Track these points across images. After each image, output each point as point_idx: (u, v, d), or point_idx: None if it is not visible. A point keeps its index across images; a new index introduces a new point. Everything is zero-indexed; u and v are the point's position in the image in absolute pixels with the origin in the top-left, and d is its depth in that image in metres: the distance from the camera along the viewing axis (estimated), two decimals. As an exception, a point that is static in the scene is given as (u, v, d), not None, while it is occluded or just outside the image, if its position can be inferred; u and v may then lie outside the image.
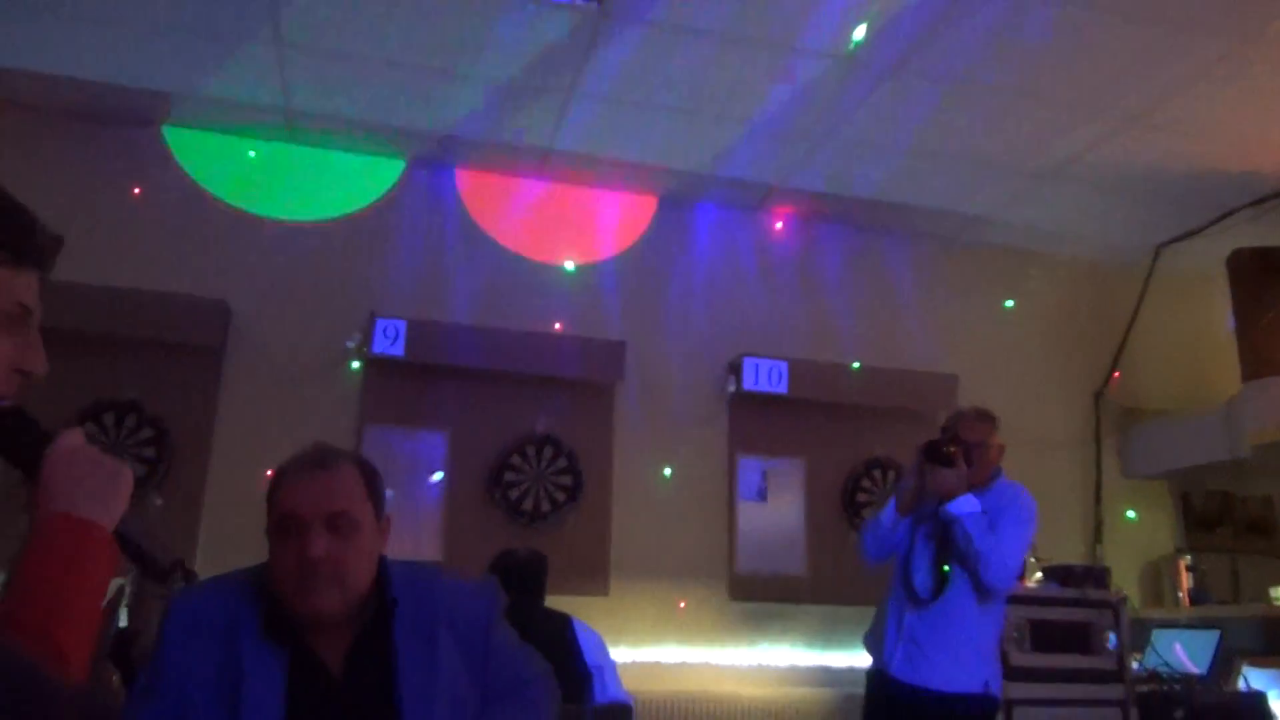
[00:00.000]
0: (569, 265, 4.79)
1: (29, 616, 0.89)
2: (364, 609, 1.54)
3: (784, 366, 4.81)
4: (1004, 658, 3.34)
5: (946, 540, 3.06)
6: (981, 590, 3.03)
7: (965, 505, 3.03)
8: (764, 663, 4.57)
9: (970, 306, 5.34)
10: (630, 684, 3.25)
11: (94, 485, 1.01)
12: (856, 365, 4.93)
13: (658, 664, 4.43)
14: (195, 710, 1.44)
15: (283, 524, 1.52)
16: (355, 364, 4.49)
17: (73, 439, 1.04)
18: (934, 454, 3.08)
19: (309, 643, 1.51)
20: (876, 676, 3.16)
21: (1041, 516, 3.13)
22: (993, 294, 5.39)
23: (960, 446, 3.08)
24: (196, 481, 4.23)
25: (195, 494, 4.21)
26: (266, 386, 4.36)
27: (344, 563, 1.49)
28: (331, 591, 1.48)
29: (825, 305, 5.09)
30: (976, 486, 3.11)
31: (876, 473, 4.97)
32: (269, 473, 1.63)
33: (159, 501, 4.17)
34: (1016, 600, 3.43)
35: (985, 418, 3.26)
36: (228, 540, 3.97)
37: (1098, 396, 5.36)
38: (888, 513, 3.20)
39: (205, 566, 3.98)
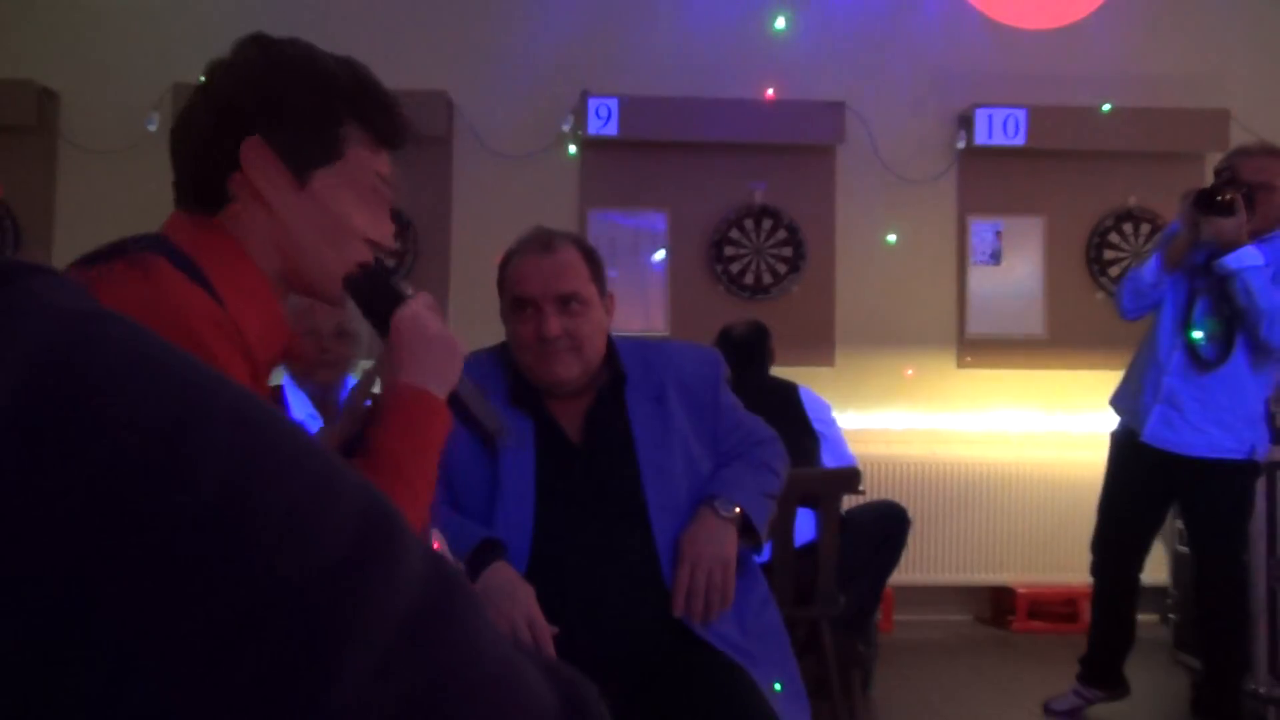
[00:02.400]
0: (779, 22, 4.51)
1: (373, 481, 0.99)
2: (597, 381, 1.63)
3: (1022, 114, 4.40)
4: (1270, 419, 3.10)
5: (1224, 297, 2.78)
6: (1261, 351, 2.78)
7: (1246, 258, 2.70)
8: (996, 427, 4.50)
9: (1248, 26, 4.58)
10: (857, 448, 3.30)
11: (435, 358, 1.06)
12: (1107, 107, 4.42)
13: (885, 430, 4.47)
14: (460, 467, 1.61)
15: (517, 305, 1.61)
16: (572, 148, 4.54)
17: (420, 305, 1.10)
18: (1208, 202, 2.73)
19: (550, 412, 1.63)
20: (1124, 439, 3.02)
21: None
22: (1277, 7, 4.59)
23: (1239, 191, 2.73)
24: (441, 269, 4.54)
25: (441, 281, 4.53)
26: (492, 175, 4.52)
27: (579, 336, 1.58)
28: (570, 361, 1.58)
29: (1068, 39, 4.54)
30: (1260, 234, 2.77)
31: (1127, 226, 4.57)
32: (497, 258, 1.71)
33: (410, 292, 4.52)
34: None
35: (1273, 154, 2.85)
36: (474, 321, 4.28)
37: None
38: (1150, 268, 2.91)
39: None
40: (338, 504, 0.31)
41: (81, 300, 0.31)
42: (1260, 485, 3.07)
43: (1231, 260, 2.72)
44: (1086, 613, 3.36)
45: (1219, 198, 2.72)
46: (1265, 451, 2.91)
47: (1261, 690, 3.03)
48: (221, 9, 4.30)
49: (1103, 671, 3.06)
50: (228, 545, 0.28)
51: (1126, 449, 3.01)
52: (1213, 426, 2.82)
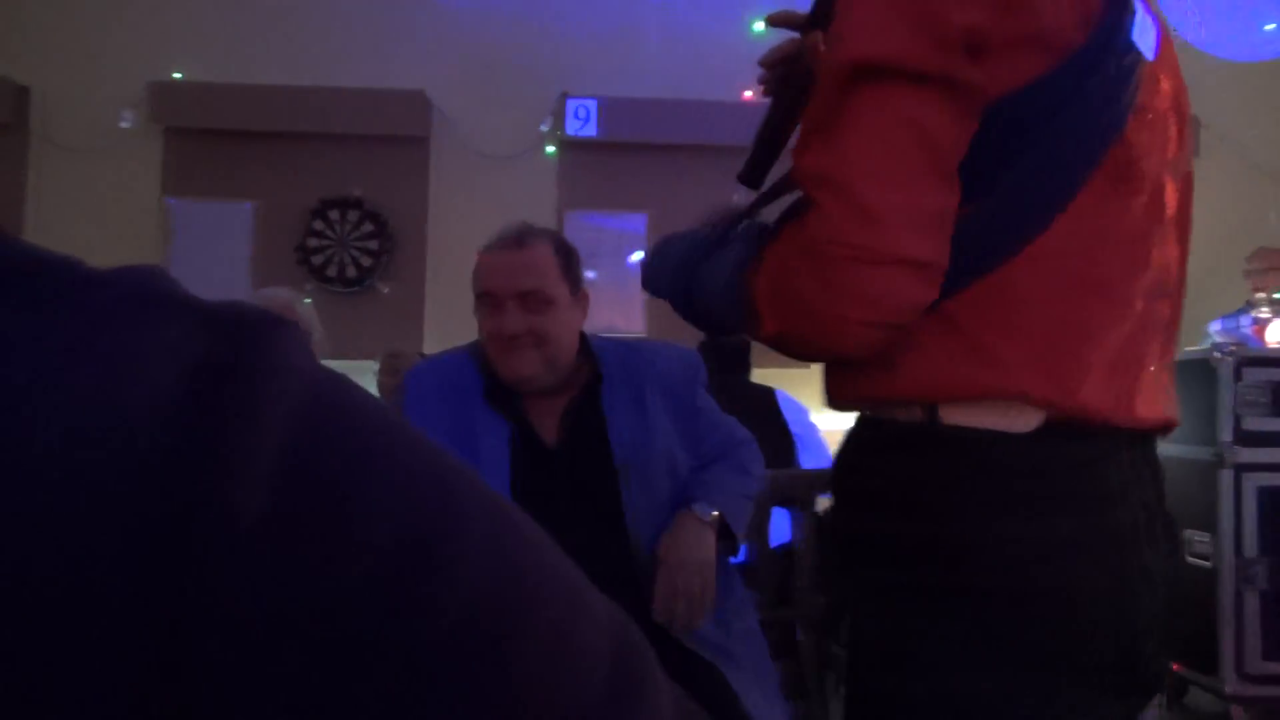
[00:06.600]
0: (758, 25, 4.52)
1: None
2: (574, 381, 1.62)
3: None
4: (1238, 421, 3.15)
5: None
6: None
7: None
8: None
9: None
10: (832, 450, 3.33)
11: None
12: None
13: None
14: None
15: (482, 300, 1.58)
16: (550, 148, 4.53)
17: None
18: None
19: (525, 413, 1.62)
20: None
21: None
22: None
23: None
24: (417, 269, 4.52)
25: (417, 281, 4.51)
26: (470, 175, 4.51)
27: (541, 332, 1.55)
28: (531, 357, 1.55)
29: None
30: None
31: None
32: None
33: (385, 290, 4.51)
34: (1259, 362, 3.18)
35: None
36: (451, 321, 4.28)
37: (1376, 132, 4.65)
38: None
39: (431, 346, 4.34)
40: (587, 651, 0.29)
41: (316, 362, 0.29)
42: (1229, 485, 3.12)
43: None
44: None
45: None
46: None
47: (1228, 690, 3.07)
48: (197, 7, 4.26)
49: None
50: (471, 684, 0.26)
51: None
52: None
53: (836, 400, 0.96)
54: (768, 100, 1.05)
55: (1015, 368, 0.82)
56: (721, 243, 1.01)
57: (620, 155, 4.53)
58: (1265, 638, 3.09)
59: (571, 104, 4.38)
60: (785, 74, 1.01)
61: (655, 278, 1.09)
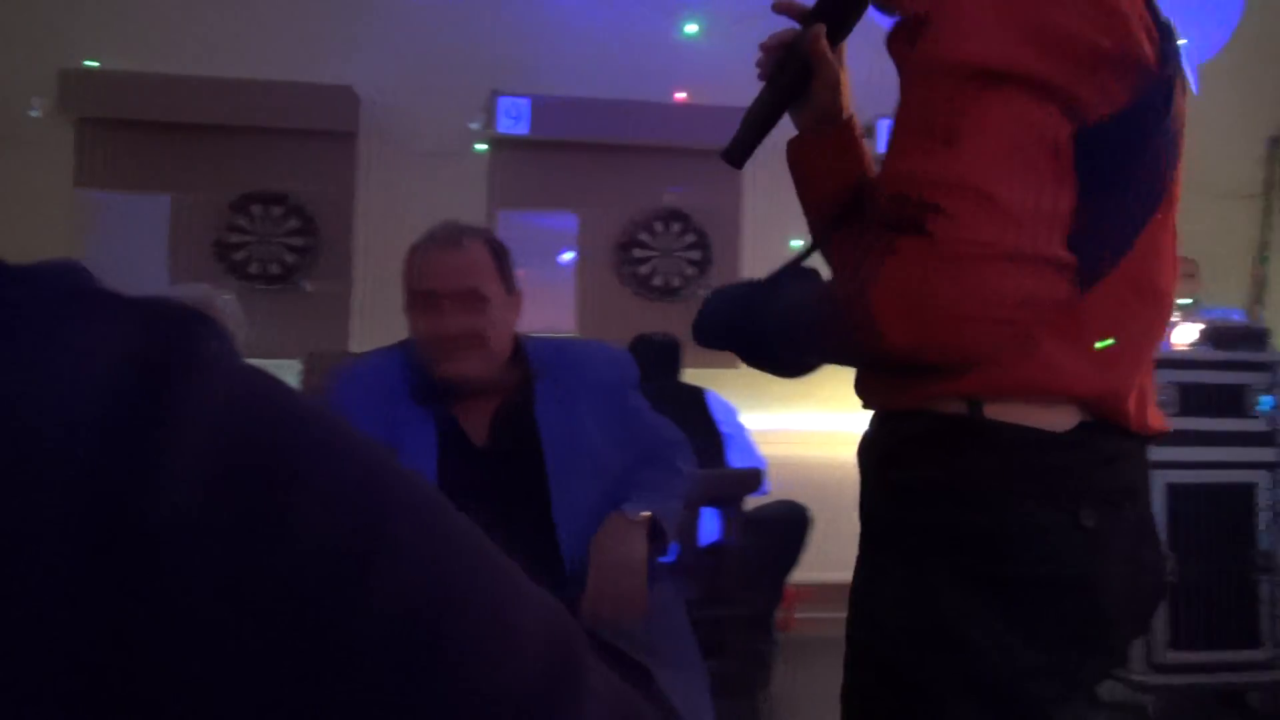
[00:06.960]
0: (690, 27, 4.55)
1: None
2: (504, 382, 1.61)
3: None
4: (1147, 422, 3.27)
5: None
6: None
7: None
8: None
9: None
10: (760, 449, 3.37)
11: None
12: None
13: (787, 430, 4.55)
14: None
15: (417, 299, 1.57)
16: (481, 146, 4.49)
17: None
18: None
19: (454, 414, 1.60)
20: None
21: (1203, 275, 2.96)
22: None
23: None
24: (343, 267, 4.44)
25: (344, 279, 4.43)
26: (399, 172, 4.44)
27: (481, 333, 1.55)
28: (472, 358, 1.55)
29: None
30: None
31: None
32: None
33: (310, 288, 4.41)
34: (1166, 364, 3.31)
35: None
36: (378, 321, 4.21)
37: (1275, 142, 4.88)
38: None
39: (360, 346, 4.26)
40: (521, 637, 0.29)
41: (241, 360, 0.29)
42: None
43: None
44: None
45: None
46: None
47: (1136, 679, 3.19)
48: (113, -8, 4.12)
49: None
50: (407, 671, 0.27)
51: None
52: None
53: (880, 400, 0.99)
54: (762, 83, 1.09)
55: (1073, 372, 0.87)
56: (776, 286, 1.04)
57: (552, 154, 4.51)
58: (1173, 629, 3.22)
59: (503, 102, 4.35)
60: (782, 60, 1.05)
61: (710, 328, 1.09)
